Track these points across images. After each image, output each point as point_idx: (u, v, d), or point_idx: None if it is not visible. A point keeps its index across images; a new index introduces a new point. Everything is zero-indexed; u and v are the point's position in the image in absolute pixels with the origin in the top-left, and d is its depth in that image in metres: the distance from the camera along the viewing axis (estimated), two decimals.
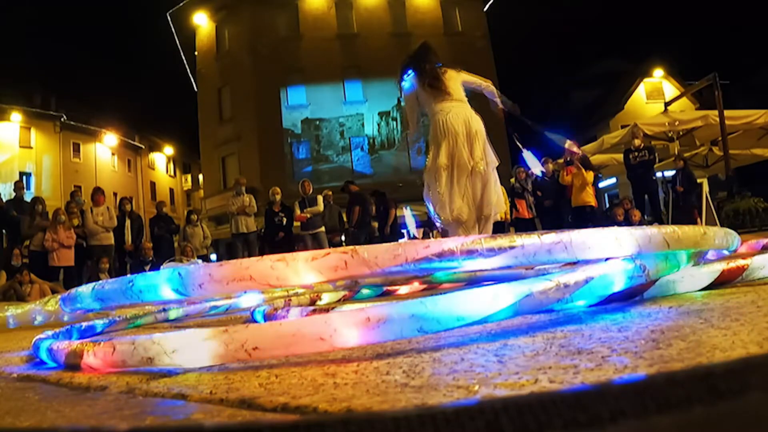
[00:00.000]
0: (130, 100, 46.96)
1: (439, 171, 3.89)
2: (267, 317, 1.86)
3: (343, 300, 2.95)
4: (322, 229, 8.75)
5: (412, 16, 22.57)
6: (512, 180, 9.32)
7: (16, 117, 24.90)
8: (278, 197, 9.05)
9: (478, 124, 3.93)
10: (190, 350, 0.99)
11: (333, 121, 21.32)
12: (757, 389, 0.30)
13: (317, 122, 21.29)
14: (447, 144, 3.87)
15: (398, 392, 0.72)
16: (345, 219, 9.65)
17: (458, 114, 3.91)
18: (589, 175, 8.16)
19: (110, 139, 29.28)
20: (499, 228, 8.27)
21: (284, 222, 8.92)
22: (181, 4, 22.87)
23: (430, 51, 4.31)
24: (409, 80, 4.15)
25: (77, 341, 1.28)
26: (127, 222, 8.51)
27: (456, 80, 4.11)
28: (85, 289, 1.38)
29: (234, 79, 21.89)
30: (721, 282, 1.48)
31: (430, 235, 13.03)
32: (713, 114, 10.29)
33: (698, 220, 8.41)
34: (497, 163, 4.05)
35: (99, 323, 2.17)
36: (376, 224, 9.72)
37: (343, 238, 9.77)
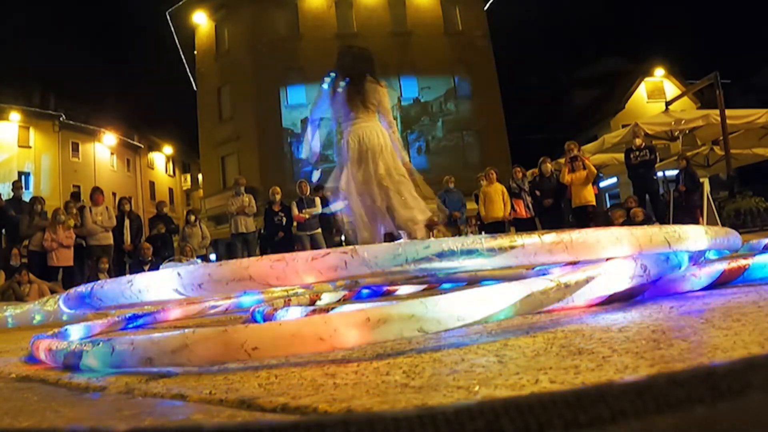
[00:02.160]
0: (130, 100, 46.97)
1: (349, 193, 3.90)
2: (266, 317, 1.86)
3: (343, 300, 2.95)
4: (320, 230, 8.74)
5: (412, 15, 22.57)
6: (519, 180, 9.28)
7: (15, 116, 24.87)
8: (278, 197, 9.05)
9: (383, 139, 3.87)
10: (189, 350, 0.99)
11: (333, 120, 21.30)
12: (758, 390, 0.30)
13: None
14: (355, 164, 3.86)
15: (398, 393, 0.72)
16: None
17: (367, 131, 3.86)
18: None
19: (109, 138, 29.27)
20: (500, 228, 8.27)
21: (284, 222, 8.91)
22: (180, 3, 22.85)
23: (370, 60, 4.14)
24: (328, 82, 4.06)
25: (76, 341, 1.28)
26: (126, 222, 8.50)
27: (376, 98, 3.98)
28: (84, 289, 1.38)
29: (234, 79, 21.87)
30: (722, 282, 1.48)
31: (431, 235, 13.03)
32: (714, 113, 10.28)
33: (700, 219, 8.41)
34: (407, 176, 3.94)
35: (98, 323, 2.17)
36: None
37: (343, 237, 9.76)
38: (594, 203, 8.28)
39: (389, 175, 3.83)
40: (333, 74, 4.10)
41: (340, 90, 3.99)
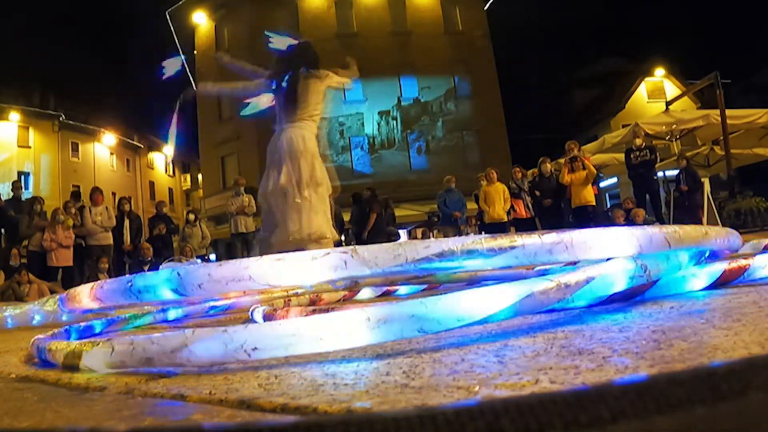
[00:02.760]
0: (129, 100, 46.97)
1: (266, 196, 3.90)
2: (266, 317, 1.86)
3: (343, 300, 2.94)
4: None
5: (412, 15, 22.56)
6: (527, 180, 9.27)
7: (15, 116, 24.86)
8: None
9: (305, 144, 3.85)
10: (189, 351, 0.99)
11: (332, 120, 21.29)
12: (758, 390, 0.30)
13: None
14: (275, 168, 3.85)
15: (398, 393, 0.72)
16: (345, 220, 9.67)
17: (291, 137, 3.84)
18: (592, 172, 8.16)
19: (109, 138, 29.26)
20: (500, 228, 8.27)
21: None
22: (180, 3, 22.85)
23: (305, 54, 4.12)
24: (278, 80, 4.00)
25: (76, 341, 1.28)
26: (126, 222, 8.50)
27: (319, 92, 3.96)
28: (84, 289, 1.38)
29: (233, 78, 21.82)
30: (722, 282, 1.48)
31: (431, 234, 13.03)
32: (715, 113, 10.27)
33: (702, 219, 8.40)
34: (322, 187, 3.89)
35: (98, 323, 2.17)
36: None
37: (343, 238, 9.75)
38: (594, 203, 8.28)
39: (297, 186, 3.77)
40: (273, 79, 4.06)
41: (275, 93, 4.01)
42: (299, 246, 3.66)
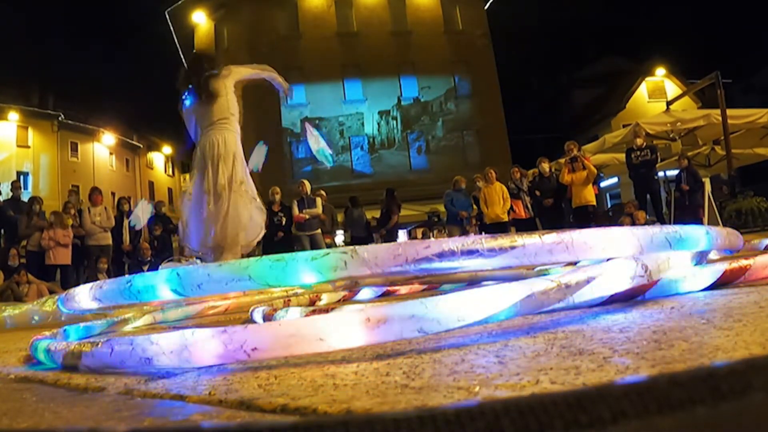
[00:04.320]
0: (129, 99, 46.97)
1: (187, 198, 3.93)
2: (266, 318, 1.85)
3: (343, 300, 2.94)
4: (319, 231, 8.75)
5: (412, 14, 22.56)
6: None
7: (14, 116, 24.83)
8: (278, 197, 9.05)
9: (225, 146, 3.87)
10: (188, 351, 0.99)
11: (332, 120, 21.32)
12: (759, 390, 0.30)
13: (317, 121, 21.26)
14: (199, 172, 3.89)
15: (398, 393, 0.72)
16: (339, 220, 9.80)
17: (212, 140, 3.87)
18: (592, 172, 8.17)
19: (108, 138, 29.25)
20: (500, 228, 8.26)
21: (283, 222, 8.91)
22: (180, 3, 22.85)
23: (200, 61, 4.13)
24: (189, 98, 4.05)
25: (75, 342, 1.28)
26: (125, 222, 8.50)
27: (228, 88, 3.99)
28: (83, 289, 1.37)
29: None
30: (723, 282, 1.48)
31: (431, 234, 13.03)
32: (715, 113, 10.27)
33: (702, 219, 8.40)
34: (245, 185, 3.90)
35: (97, 324, 2.17)
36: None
37: (342, 239, 9.79)
38: (594, 203, 8.27)
39: (229, 187, 3.79)
40: (184, 93, 4.11)
41: (188, 104, 4.04)
42: (215, 251, 3.77)
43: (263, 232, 4.10)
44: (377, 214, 10.15)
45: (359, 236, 9.58)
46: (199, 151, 3.92)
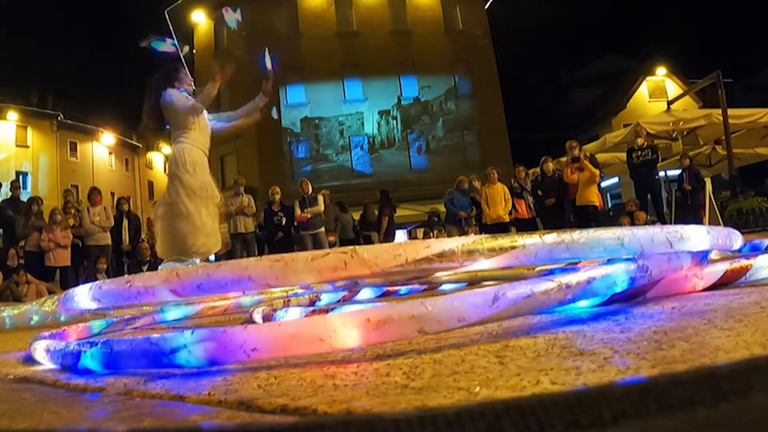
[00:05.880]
0: (128, 99, 46.95)
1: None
2: (266, 318, 1.85)
3: (343, 300, 2.94)
4: (322, 229, 8.75)
5: (412, 14, 22.56)
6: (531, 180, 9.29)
7: (13, 116, 24.82)
8: (278, 197, 9.05)
9: (183, 157, 4.07)
10: (188, 351, 0.99)
11: (332, 119, 21.31)
12: (760, 390, 0.30)
13: (316, 121, 21.28)
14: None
15: (398, 394, 0.72)
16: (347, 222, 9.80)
17: (173, 152, 4.09)
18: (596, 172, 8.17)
19: (107, 138, 29.23)
20: (501, 228, 8.26)
21: (283, 222, 8.91)
22: (179, 2, 22.84)
23: (155, 80, 4.23)
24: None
25: (74, 342, 1.27)
26: (125, 222, 8.49)
27: (172, 109, 4.09)
28: (83, 289, 1.37)
29: (232, 78, 21.75)
30: (724, 282, 1.48)
31: (431, 234, 13.02)
32: (716, 113, 10.26)
33: (703, 219, 8.40)
34: (171, 202, 3.99)
35: (96, 324, 2.16)
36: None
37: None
38: (597, 204, 8.27)
39: (170, 202, 3.93)
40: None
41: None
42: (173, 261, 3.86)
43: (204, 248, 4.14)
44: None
45: (347, 238, 9.67)
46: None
